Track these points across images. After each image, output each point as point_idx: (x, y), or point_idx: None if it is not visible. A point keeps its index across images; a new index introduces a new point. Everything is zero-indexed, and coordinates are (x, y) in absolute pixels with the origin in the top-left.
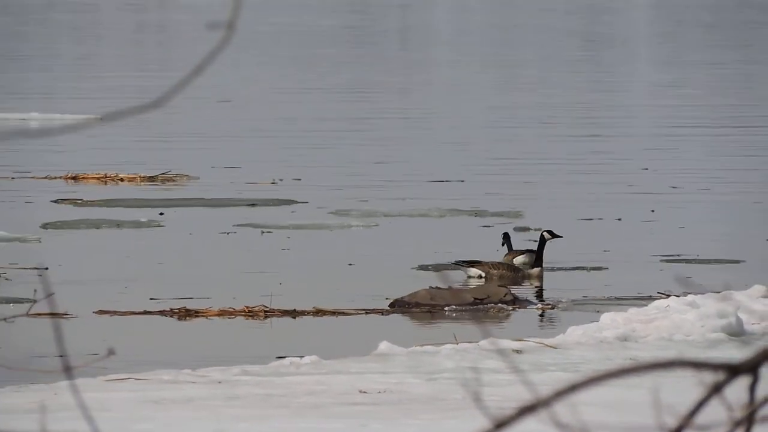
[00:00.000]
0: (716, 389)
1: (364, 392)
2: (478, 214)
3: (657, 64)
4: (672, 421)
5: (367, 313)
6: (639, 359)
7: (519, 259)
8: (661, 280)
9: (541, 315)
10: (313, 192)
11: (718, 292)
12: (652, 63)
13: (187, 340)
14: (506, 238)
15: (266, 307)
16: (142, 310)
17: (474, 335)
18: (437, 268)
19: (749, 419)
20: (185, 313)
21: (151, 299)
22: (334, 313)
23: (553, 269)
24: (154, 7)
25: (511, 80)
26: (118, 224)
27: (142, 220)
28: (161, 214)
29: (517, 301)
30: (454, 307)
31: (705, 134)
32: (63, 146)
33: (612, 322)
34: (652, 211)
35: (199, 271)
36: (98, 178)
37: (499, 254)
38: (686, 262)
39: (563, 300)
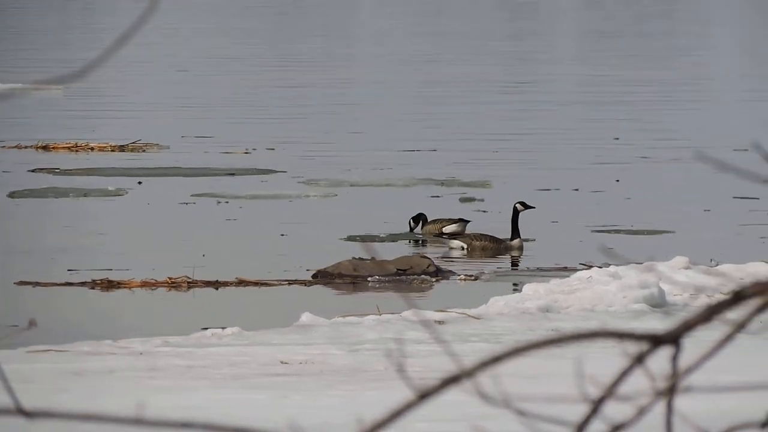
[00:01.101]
0: (639, 359)
1: (286, 363)
2: (446, 184)
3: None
4: (595, 392)
5: (290, 283)
6: (561, 330)
7: (450, 228)
8: (587, 252)
9: (464, 286)
10: (291, 162)
11: (641, 263)
12: (585, 33)
13: (108, 311)
14: (417, 219)
15: (189, 278)
16: (64, 282)
17: (397, 306)
18: (366, 239)
19: (671, 389)
20: (107, 284)
21: (69, 270)
22: (257, 284)
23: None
24: None
25: (449, 51)
26: (86, 193)
27: (110, 189)
28: (140, 183)
29: (439, 272)
30: (377, 277)
31: (675, 106)
32: (27, 116)
33: (534, 293)
34: (617, 180)
35: (134, 242)
36: (69, 148)
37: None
38: (617, 233)
39: (486, 271)
